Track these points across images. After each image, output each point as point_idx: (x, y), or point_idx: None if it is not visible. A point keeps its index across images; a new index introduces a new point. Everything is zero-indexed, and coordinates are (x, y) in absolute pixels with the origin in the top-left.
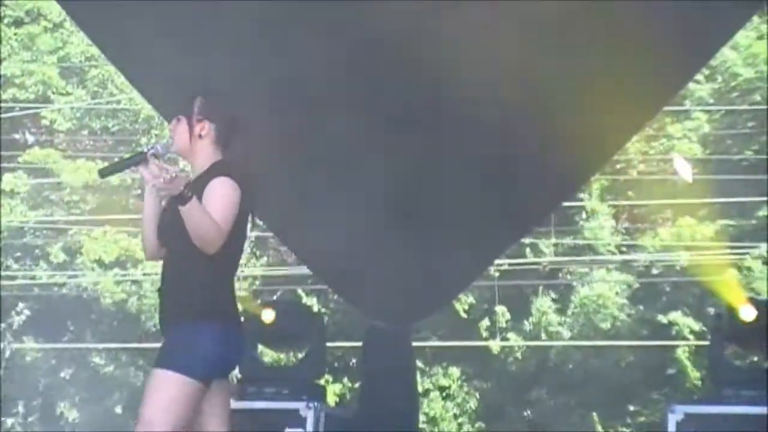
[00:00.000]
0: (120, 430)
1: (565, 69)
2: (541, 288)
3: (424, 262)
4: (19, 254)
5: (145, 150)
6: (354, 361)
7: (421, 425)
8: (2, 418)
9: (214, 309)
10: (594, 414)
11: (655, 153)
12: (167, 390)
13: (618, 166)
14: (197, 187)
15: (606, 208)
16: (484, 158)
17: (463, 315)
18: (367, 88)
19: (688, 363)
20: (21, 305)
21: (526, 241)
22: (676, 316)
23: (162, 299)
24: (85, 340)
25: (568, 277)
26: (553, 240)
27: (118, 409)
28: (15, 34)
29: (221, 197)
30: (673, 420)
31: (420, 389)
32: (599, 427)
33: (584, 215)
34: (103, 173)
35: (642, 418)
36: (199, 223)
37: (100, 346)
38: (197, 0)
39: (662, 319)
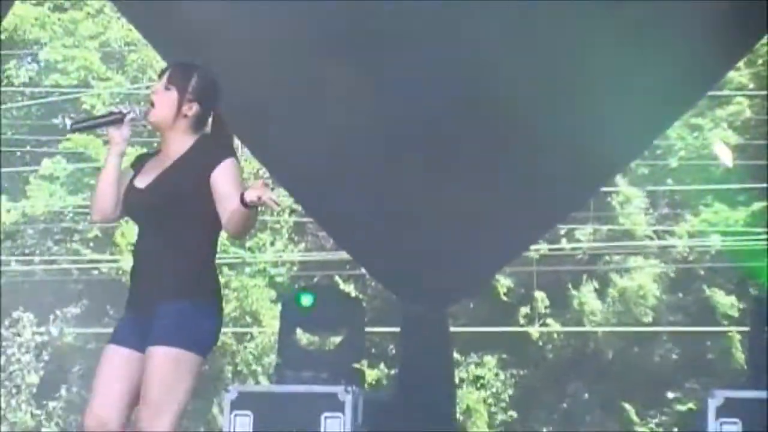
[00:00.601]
0: None
1: (607, 57)
2: (584, 276)
3: (458, 246)
4: (58, 238)
5: (123, 110)
6: (391, 347)
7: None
8: (45, 402)
9: (211, 286)
10: (627, 404)
11: (695, 139)
12: (176, 368)
13: (658, 152)
14: (195, 162)
15: (644, 195)
16: (519, 145)
17: (504, 298)
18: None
19: (730, 347)
20: (80, 292)
21: (563, 228)
22: (716, 300)
23: (149, 276)
24: None
25: (608, 265)
26: (591, 226)
27: None
28: (59, 19)
29: (238, 181)
30: (713, 405)
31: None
32: (634, 417)
33: (622, 202)
34: (75, 127)
35: (681, 406)
36: (252, 219)
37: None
38: None
39: (702, 304)
